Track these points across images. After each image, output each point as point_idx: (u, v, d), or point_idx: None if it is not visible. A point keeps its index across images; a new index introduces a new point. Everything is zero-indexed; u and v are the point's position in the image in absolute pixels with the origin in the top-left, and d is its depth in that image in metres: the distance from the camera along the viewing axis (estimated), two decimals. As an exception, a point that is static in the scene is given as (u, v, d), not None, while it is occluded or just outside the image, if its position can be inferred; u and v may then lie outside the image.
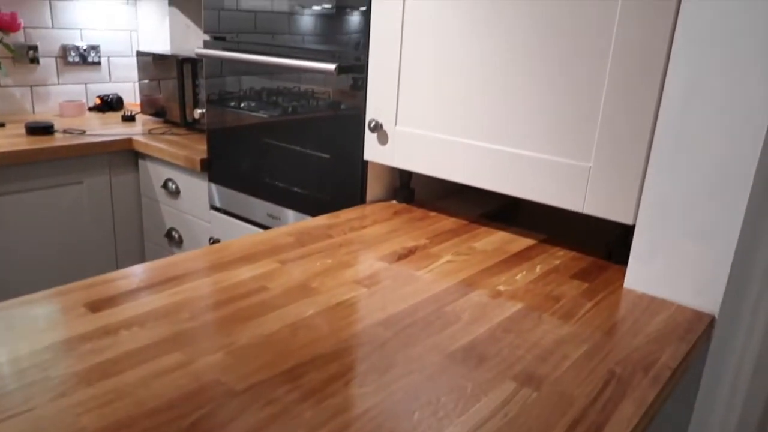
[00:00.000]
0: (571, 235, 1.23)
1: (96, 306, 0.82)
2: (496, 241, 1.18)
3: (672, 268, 0.94)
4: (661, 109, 0.91)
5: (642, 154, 0.95)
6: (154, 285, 0.90)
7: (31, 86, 2.27)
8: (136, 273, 0.94)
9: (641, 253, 0.97)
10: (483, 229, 1.25)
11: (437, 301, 0.90)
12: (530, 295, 0.94)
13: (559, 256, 1.12)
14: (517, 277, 1.01)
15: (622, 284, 1.00)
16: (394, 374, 0.71)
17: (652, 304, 0.94)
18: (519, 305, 0.90)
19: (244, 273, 0.96)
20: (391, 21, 1.23)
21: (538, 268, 1.05)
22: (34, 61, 2.25)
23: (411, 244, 1.14)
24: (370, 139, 1.32)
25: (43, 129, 1.90)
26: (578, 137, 1.02)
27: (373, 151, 1.33)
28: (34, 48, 2.24)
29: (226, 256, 1.03)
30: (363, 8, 1.28)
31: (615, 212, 1.00)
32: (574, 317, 0.88)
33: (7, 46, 2.10)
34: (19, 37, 2.18)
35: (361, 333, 0.80)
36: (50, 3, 2.26)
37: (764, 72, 0.81)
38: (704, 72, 0.85)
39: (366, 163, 1.36)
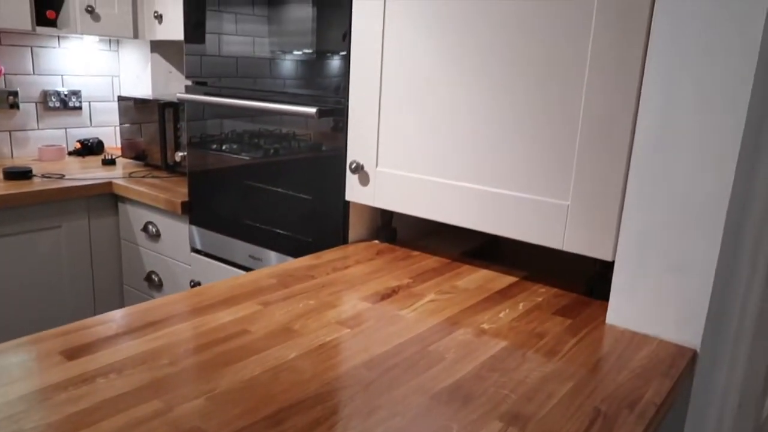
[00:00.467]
0: (552, 271, 1.24)
1: (72, 354, 0.80)
2: (478, 279, 1.19)
3: (652, 303, 0.95)
4: (634, 146, 0.93)
5: (618, 190, 0.97)
6: (132, 330, 0.88)
7: (10, 131, 2.26)
8: (114, 318, 0.92)
9: (621, 288, 0.98)
10: (465, 267, 1.25)
11: (421, 341, 0.89)
12: (514, 332, 0.94)
13: (541, 293, 1.12)
14: (501, 315, 1.01)
15: (605, 320, 1.01)
16: (378, 417, 0.70)
17: (635, 339, 0.94)
18: (503, 343, 0.90)
19: (226, 316, 0.95)
20: (370, 65, 1.25)
21: (521, 306, 1.06)
22: (14, 106, 2.25)
23: (394, 283, 1.14)
24: (351, 180, 1.33)
25: (21, 174, 1.89)
26: (555, 176, 1.04)
27: (354, 191, 1.33)
28: (14, 94, 2.24)
29: (206, 300, 1.02)
30: (343, 53, 1.31)
31: (594, 249, 1.01)
32: (558, 354, 0.87)
33: (-14, 92, 2.09)
34: (-1, 83, 2.19)
35: (345, 375, 0.79)
36: (32, 50, 2.28)
37: (734, 104, 0.84)
38: (676, 107, 0.88)
39: (348, 203, 1.37)
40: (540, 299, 1.09)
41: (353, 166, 1.31)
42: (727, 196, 0.86)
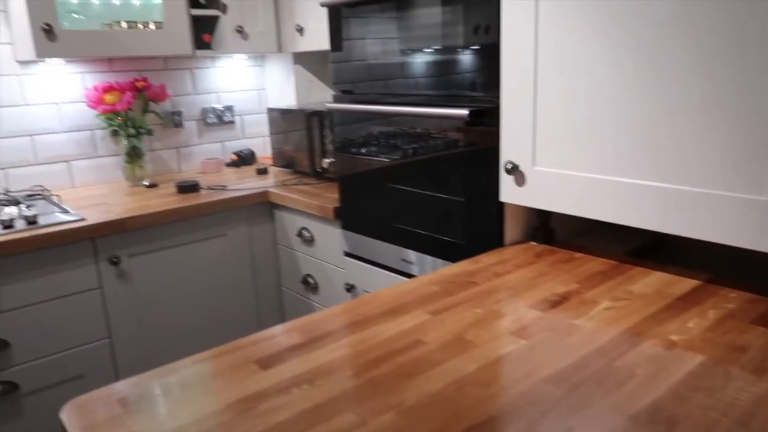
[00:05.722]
0: (738, 272, 1.12)
1: (265, 363, 0.86)
2: (654, 283, 1.10)
3: None
4: None
5: (832, 183, 0.85)
6: (314, 340, 0.93)
7: (177, 148, 2.49)
8: (295, 328, 0.97)
9: (840, 295, 0.86)
10: (637, 269, 1.17)
11: (605, 354, 0.84)
12: (709, 345, 0.86)
13: (731, 299, 1.02)
14: (690, 325, 0.92)
15: (817, 330, 0.89)
16: (575, 439, 0.66)
17: None
18: (699, 358, 0.83)
19: (397, 326, 0.97)
20: (524, 58, 1.21)
21: (711, 314, 0.96)
22: (179, 125, 2.47)
23: (562, 289, 1.09)
24: (506, 180, 1.30)
25: (191, 187, 2.07)
26: (746, 167, 0.93)
27: (510, 192, 1.30)
28: (179, 113, 2.47)
29: (375, 308, 1.04)
30: (492, 48, 1.27)
31: (802, 249, 0.89)
32: (768, 371, 0.78)
33: (157, 114, 2.32)
34: (166, 104, 2.41)
35: (531, 391, 0.76)
36: (191, 72, 2.49)
37: None
38: None
39: (502, 204, 1.34)
40: (732, 306, 0.99)
41: (509, 167, 1.27)
42: None
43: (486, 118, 1.32)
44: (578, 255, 1.27)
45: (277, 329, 0.97)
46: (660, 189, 1.04)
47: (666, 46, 0.99)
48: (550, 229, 1.37)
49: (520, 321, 0.97)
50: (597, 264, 1.21)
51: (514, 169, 1.27)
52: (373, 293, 1.11)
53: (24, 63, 2.08)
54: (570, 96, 1.15)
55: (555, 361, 0.83)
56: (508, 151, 1.28)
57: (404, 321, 0.98)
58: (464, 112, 1.31)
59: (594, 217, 1.15)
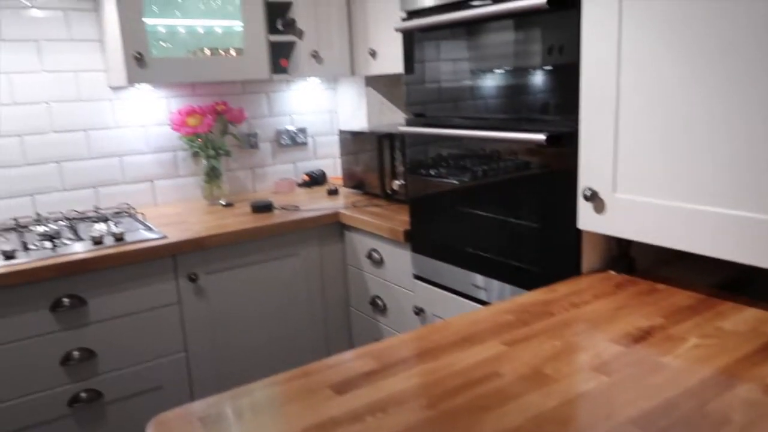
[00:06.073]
0: None
1: (340, 388, 0.86)
2: (748, 320, 1.03)
3: None
4: None
5: None
6: (387, 367, 0.92)
7: (252, 168, 2.58)
8: (367, 353, 0.97)
9: None
10: (727, 305, 1.10)
11: (696, 396, 0.80)
12: (815, 392, 0.79)
13: (838, 341, 0.94)
14: (791, 368, 0.86)
15: None
16: (665, 488, 0.63)
17: None
18: (803, 406, 0.76)
19: (472, 356, 0.95)
20: (605, 81, 1.17)
21: (814, 357, 0.89)
22: (254, 146, 2.56)
23: (645, 323, 1.04)
24: (584, 207, 1.26)
25: (265, 207, 2.13)
26: None
27: (588, 219, 1.26)
28: (255, 135, 2.55)
29: (448, 337, 1.03)
30: (567, 70, 1.24)
31: None
32: None
33: (235, 136, 2.42)
34: (243, 127, 2.51)
35: (615, 433, 0.73)
36: (267, 95, 2.58)
37: None
38: None
39: (579, 231, 1.30)
40: (839, 349, 0.91)
41: (587, 194, 1.23)
42: None
43: (563, 142, 1.29)
44: (661, 286, 1.21)
45: (349, 354, 0.97)
46: (745, 218, 0.98)
47: (749, 71, 0.93)
48: (631, 258, 1.31)
49: (600, 356, 0.93)
50: (682, 297, 1.15)
51: (593, 196, 1.23)
52: (445, 320, 1.10)
53: (116, 88, 2.22)
54: (653, 120, 1.11)
55: (640, 401, 0.79)
56: (587, 177, 1.25)
57: (479, 351, 0.97)
58: (541, 136, 1.28)
59: (679, 248, 1.10)
